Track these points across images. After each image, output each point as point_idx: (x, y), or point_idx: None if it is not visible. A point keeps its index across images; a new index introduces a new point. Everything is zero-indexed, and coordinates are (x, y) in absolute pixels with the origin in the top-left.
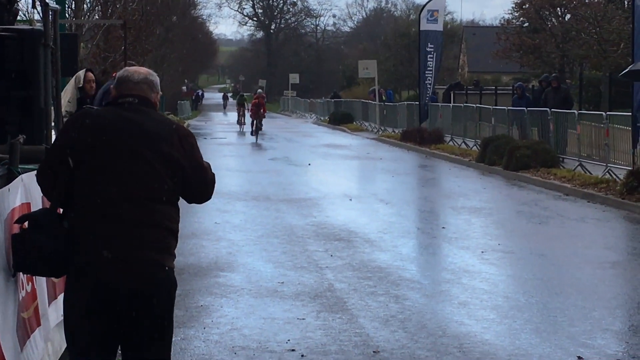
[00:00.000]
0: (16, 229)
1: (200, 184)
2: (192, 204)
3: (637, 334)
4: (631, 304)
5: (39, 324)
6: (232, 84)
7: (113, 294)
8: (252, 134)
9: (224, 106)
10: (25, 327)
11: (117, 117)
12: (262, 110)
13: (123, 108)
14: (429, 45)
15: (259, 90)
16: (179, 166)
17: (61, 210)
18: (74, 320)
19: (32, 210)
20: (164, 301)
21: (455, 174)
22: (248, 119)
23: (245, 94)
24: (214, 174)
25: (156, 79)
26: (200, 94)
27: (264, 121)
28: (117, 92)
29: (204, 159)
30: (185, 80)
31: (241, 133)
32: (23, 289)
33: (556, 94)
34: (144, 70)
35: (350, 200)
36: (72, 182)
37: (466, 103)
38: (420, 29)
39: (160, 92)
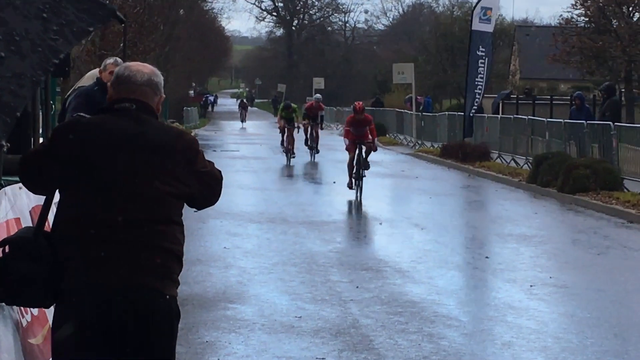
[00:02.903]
0: None
1: (207, 193)
2: (194, 207)
3: None
4: None
5: None
6: (247, 89)
7: (107, 325)
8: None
9: (242, 118)
10: (36, 354)
11: (112, 127)
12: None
13: (119, 116)
14: (481, 49)
15: (318, 96)
16: (183, 181)
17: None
18: (63, 353)
19: (22, 226)
20: (164, 334)
21: (502, 196)
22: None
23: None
24: (219, 172)
25: (160, 79)
26: (212, 99)
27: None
28: (115, 94)
29: None
30: (193, 84)
31: (263, 147)
32: (27, 313)
33: (603, 105)
34: (148, 69)
35: (381, 224)
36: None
37: (516, 114)
38: (472, 28)
39: (164, 95)
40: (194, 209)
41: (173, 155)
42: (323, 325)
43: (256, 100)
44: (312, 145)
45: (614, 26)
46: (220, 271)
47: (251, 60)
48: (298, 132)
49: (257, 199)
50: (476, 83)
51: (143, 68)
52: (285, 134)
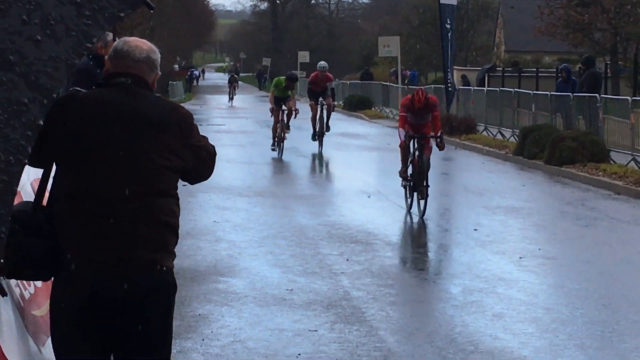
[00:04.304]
0: None
1: (202, 167)
2: (190, 183)
3: None
4: None
5: None
6: (232, 63)
7: (105, 298)
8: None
9: (230, 95)
10: (41, 325)
11: (108, 102)
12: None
13: (115, 90)
14: (448, 22)
15: (323, 63)
16: (178, 154)
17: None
18: (62, 328)
19: (24, 199)
20: (162, 305)
21: (489, 168)
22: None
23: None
24: (213, 147)
25: (158, 56)
26: (197, 73)
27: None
28: (113, 68)
29: None
30: (178, 58)
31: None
32: (30, 285)
33: (582, 77)
34: (147, 45)
35: (369, 197)
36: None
37: (502, 87)
38: (440, 2)
39: (160, 73)
40: (189, 183)
41: (168, 128)
42: (314, 298)
43: (241, 74)
44: (321, 132)
45: None
46: (210, 245)
47: (236, 35)
48: (295, 116)
49: (245, 173)
50: (449, 56)
51: (142, 44)
52: (275, 120)
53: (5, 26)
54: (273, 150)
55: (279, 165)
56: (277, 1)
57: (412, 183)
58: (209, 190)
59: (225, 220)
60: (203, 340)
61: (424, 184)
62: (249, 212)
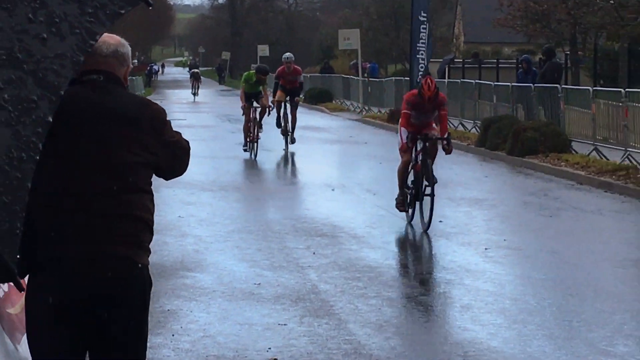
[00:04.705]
0: None
1: (176, 162)
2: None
3: None
4: None
5: None
6: (191, 57)
7: (80, 295)
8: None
9: (194, 90)
10: (16, 323)
11: (80, 99)
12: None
13: (87, 88)
14: (422, 14)
15: (288, 54)
16: (152, 151)
17: None
18: (38, 326)
19: None
20: (137, 302)
21: (452, 160)
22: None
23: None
24: (187, 142)
25: (127, 50)
26: (156, 68)
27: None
28: (83, 66)
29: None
30: (137, 53)
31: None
32: (4, 284)
33: (542, 67)
34: (114, 40)
35: (333, 190)
36: None
37: (463, 79)
38: None
39: (132, 65)
40: (163, 178)
41: (141, 125)
42: (283, 292)
43: (200, 69)
44: (285, 129)
45: None
46: (176, 240)
47: (194, 29)
48: (269, 114)
49: (208, 168)
50: (418, 48)
51: (109, 39)
52: (246, 119)
53: (12, 25)
54: (245, 150)
55: (242, 159)
56: None
57: (413, 191)
58: (173, 186)
59: (190, 215)
60: (173, 335)
61: (430, 192)
62: (214, 207)
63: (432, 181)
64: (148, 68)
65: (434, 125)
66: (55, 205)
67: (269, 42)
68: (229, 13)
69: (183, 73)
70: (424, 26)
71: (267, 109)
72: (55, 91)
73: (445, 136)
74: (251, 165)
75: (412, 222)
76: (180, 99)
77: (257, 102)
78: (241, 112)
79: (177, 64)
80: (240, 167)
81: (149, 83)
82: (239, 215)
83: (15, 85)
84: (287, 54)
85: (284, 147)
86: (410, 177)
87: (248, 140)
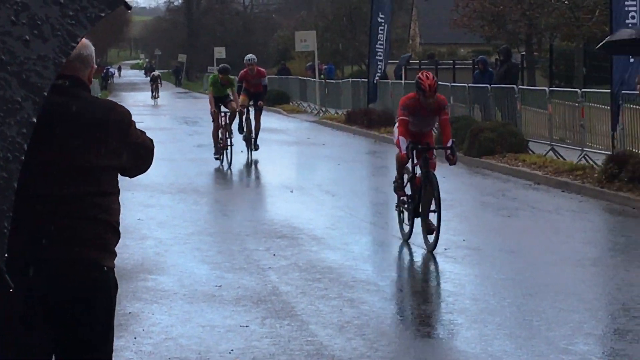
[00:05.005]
0: None
1: (140, 163)
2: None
3: (623, 338)
4: (615, 305)
5: None
6: (147, 59)
7: (47, 299)
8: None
9: (154, 94)
10: None
11: (47, 105)
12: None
13: (53, 93)
14: (380, 15)
15: (250, 56)
16: (118, 153)
17: None
18: (4, 328)
19: None
20: (104, 305)
21: None
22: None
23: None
24: (151, 140)
25: (91, 51)
26: (112, 71)
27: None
28: None
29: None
30: None
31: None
32: None
33: (500, 68)
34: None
35: (292, 192)
36: None
37: None
38: None
39: (95, 65)
40: (128, 177)
41: (107, 128)
42: (244, 294)
43: (157, 71)
44: (248, 135)
45: None
46: (136, 242)
47: (150, 31)
48: (239, 118)
49: (167, 170)
50: (376, 50)
51: None
52: (215, 125)
53: None
54: (217, 159)
55: (200, 161)
56: None
57: (410, 206)
58: (131, 188)
59: (150, 217)
60: (135, 338)
61: (435, 210)
62: (173, 209)
63: (438, 195)
64: (104, 71)
65: (432, 133)
66: (25, 209)
67: (226, 44)
68: (184, 15)
69: (139, 75)
70: (382, 28)
71: (238, 112)
72: (38, 92)
73: (449, 144)
74: (209, 167)
75: (410, 241)
76: (137, 102)
77: (226, 107)
78: (211, 118)
79: (133, 67)
80: (199, 169)
81: (105, 86)
82: (198, 217)
83: (0, 86)
84: (249, 56)
85: (247, 154)
86: (407, 191)
87: (220, 146)
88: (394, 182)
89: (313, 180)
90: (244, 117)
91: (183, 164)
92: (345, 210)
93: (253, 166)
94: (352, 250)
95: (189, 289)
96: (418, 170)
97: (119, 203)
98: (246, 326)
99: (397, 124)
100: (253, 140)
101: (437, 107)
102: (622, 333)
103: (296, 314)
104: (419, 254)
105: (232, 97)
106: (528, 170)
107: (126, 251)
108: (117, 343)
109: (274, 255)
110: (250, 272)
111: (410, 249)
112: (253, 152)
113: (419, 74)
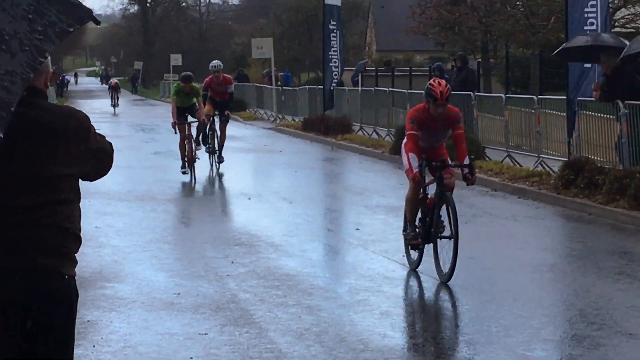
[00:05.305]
0: None
1: (100, 168)
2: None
3: (581, 344)
4: (573, 311)
5: None
6: (102, 67)
7: (7, 307)
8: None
9: (113, 102)
10: None
11: None
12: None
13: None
14: (332, 23)
15: (215, 62)
16: (78, 160)
17: None
18: None
19: None
20: (64, 313)
21: (366, 167)
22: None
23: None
24: (110, 144)
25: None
26: (69, 79)
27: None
28: None
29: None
30: None
31: (116, 120)
32: None
33: (458, 75)
34: None
35: (249, 199)
36: None
37: (376, 86)
38: (325, 2)
39: (52, 69)
40: (88, 181)
41: (67, 135)
42: (202, 301)
43: (113, 79)
44: (212, 147)
45: None
46: (94, 250)
47: (106, 38)
48: (206, 129)
49: (124, 177)
50: (330, 56)
51: None
52: (182, 136)
53: None
54: (184, 173)
55: (158, 168)
56: (147, 4)
57: (421, 230)
58: (88, 196)
59: (107, 225)
60: (94, 346)
61: (450, 236)
62: (131, 217)
63: (456, 220)
64: (60, 78)
65: (445, 148)
66: None
67: (182, 51)
68: (140, 22)
69: (95, 83)
70: (334, 35)
71: (204, 123)
72: (5, 107)
73: (468, 162)
74: (166, 174)
75: (419, 270)
76: (93, 109)
77: (193, 116)
78: (173, 129)
79: (89, 74)
80: (156, 176)
81: (61, 93)
82: (156, 225)
83: None
84: (215, 62)
85: (211, 167)
86: (419, 214)
87: (186, 160)
88: (403, 231)
89: (270, 187)
90: (208, 127)
91: (140, 171)
92: (303, 217)
93: (211, 174)
94: (310, 257)
95: (147, 297)
96: (429, 191)
97: (79, 210)
98: (205, 334)
99: (404, 141)
100: (218, 152)
101: (450, 120)
102: (580, 339)
103: (255, 321)
104: (377, 261)
105: (198, 107)
106: (485, 177)
107: (84, 259)
108: (75, 351)
109: (233, 262)
110: (208, 279)
111: (370, 256)
112: (219, 165)
113: (430, 81)
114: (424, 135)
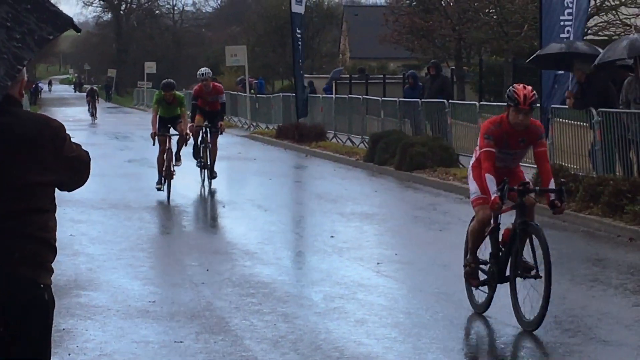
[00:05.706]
0: None
1: (77, 177)
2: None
3: (556, 351)
4: (547, 319)
5: None
6: (76, 74)
7: None
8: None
9: (92, 111)
10: None
11: None
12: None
13: None
14: (298, 31)
15: (204, 70)
16: (53, 169)
17: None
18: None
19: None
20: (41, 323)
21: (341, 175)
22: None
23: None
24: (87, 153)
25: None
26: (42, 86)
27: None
28: None
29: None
30: None
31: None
32: None
33: (433, 82)
34: None
35: (224, 207)
36: None
37: (350, 94)
38: (292, 10)
39: (26, 78)
40: (65, 191)
41: (42, 144)
42: (178, 309)
43: (86, 86)
44: (204, 161)
45: (443, 4)
46: (68, 259)
47: (79, 46)
48: (187, 143)
49: (98, 185)
50: (300, 64)
51: None
52: (161, 149)
53: None
54: (159, 189)
55: (132, 176)
56: (121, 12)
57: (493, 268)
58: (62, 204)
59: (82, 233)
60: (69, 355)
61: (535, 275)
62: (105, 225)
63: (548, 256)
64: (34, 86)
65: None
66: None
67: (156, 58)
68: (114, 30)
69: (69, 91)
70: (300, 42)
71: (187, 136)
72: None
73: (558, 188)
74: (140, 182)
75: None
76: (67, 117)
77: (175, 129)
78: (152, 140)
79: (62, 82)
80: (130, 185)
81: (34, 101)
82: (130, 233)
83: None
84: (203, 70)
85: (202, 183)
86: (486, 247)
87: (163, 175)
88: (465, 266)
89: (245, 195)
90: (200, 140)
91: (114, 179)
92: (278, 225)
93: (203, 191)
94: (285, 265)
95: (122, 305)
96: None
97: (55, 220)
98: (181, 342)
99: (472, 161)
100: (210, 167)
101: (531, 135)
102: (555, 346)
103: (230, 329)
104: (352, 269)
105: (182, 119)
106: (459, 184)
107: (59, 267)
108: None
109: (208, 270)
110: (184, 287)
111: (345, 264)
112: (211, 181)
113: (514, 84)
114: (499, 153)
